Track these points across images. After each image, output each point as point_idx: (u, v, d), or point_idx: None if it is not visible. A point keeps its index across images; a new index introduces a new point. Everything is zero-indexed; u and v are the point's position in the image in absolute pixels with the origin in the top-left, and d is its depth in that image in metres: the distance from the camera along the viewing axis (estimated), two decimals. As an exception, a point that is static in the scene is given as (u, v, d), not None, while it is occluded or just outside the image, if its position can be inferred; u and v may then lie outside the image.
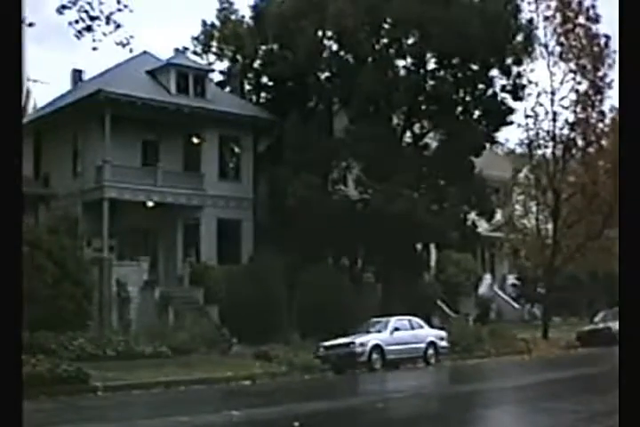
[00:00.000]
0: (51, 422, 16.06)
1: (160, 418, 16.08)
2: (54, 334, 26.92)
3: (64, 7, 21.68)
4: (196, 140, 42.79)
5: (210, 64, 50.60)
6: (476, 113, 43.75)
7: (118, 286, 35.10)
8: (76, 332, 27.88)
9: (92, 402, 19.46)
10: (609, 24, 42.55)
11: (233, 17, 51.83)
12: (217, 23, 51.99)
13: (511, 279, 57.07)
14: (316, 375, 27.59)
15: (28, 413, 17.31)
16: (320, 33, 44.38)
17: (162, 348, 27.92)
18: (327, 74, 45.66)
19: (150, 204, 39.46)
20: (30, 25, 21.76)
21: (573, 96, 41.34)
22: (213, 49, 52.05)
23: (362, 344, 29.33)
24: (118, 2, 21.50)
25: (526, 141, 43.16)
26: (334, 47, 44.99)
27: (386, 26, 42.44)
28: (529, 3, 41.89)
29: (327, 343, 29.96)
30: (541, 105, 41.52)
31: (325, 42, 44.99)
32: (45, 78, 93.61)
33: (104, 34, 21.91)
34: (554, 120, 41.48)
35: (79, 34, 21.96)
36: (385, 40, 42.99)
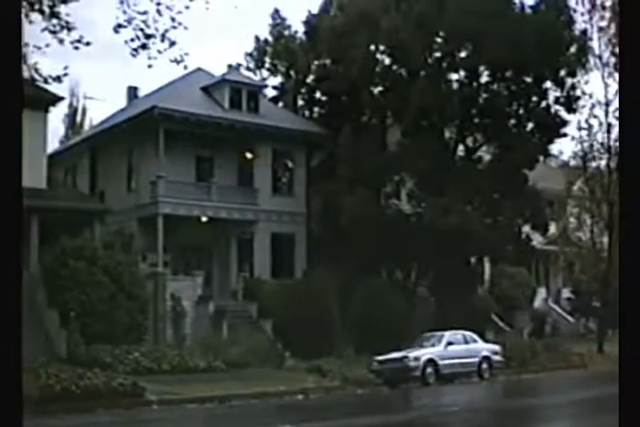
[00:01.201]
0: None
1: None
2: (110, 347, 27.31)
3: (120, 26, 22.11)
4: (249, 156, 43.00)
5: (263, 80, 50.89)
6: (530, 125, 43.43)
7: (173, 301, 35.30)
8: (132, 346, 28.22)
9: (146, 416, 19.63)
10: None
11: (286, 32, 52.07)
12: (270, 39, 52.27)
13: (566, 293, 56.38)
14: (370, 390, 27.52)
15: (85, 425, 17.65)
16: (373, 47, 44.45)
17: (216, 362, 28.07)
18: (380, 88, 45.63)
19: (204, 219, 39.72)
20: (87, 44, 22.22)
21: (628, 107, 40.80)
22: (267, 65, 52.30)
23: (416, 358, 29.22)
24: (173, 20, 21.89)
25: (580, 153, 42.87)
26: (387, 61, 44.99)
27: (438, 39, 42.35)
28: (582, 14, 41.59)
29: (381, 358, 29.89)
30: (595, 117, 41.19)
31: (378, 56, 45.02)
32: (101, 96, 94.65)
33: (159, 51, 22.29)
34: (608, 132, 41.02)
35: (135, 52, 22.37)
36: (438, 53, 42.90)
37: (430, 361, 29.41)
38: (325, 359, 29.91)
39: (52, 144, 51.53)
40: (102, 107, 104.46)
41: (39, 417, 18.33)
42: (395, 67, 44.43)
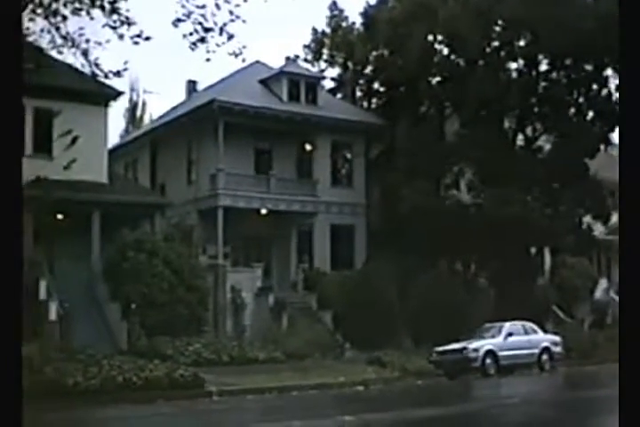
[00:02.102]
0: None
1: (274, 423, 16.25)
2: (171, 339, 27.60)
3: (179, 20, 22.34)
4: (308, 148, 43.05)
5: (321, 71, 50.87)
6: (590, 114, 42.90)
7: (233, 293, 35.51)
8: (192, 337, 28.53)
9: (207, 406, 19.77)
10: None
11: (344, 24, 51.94)
12: (328, 31, 52.20)
13: (628, 284, 55.53)
14: (430, 381, 27.47)
15: (147, 417, 17.89)
16: (431, 37, 44.23)
17: (275, 353, 28.25)
18: (438, 78, 45.42)
19: (264, 211, 39.89)
20: (147, 39, 22.46)
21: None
22: (324, 56, 52.23)
23: (475, 350, 29.12)
24: (231, 13, 22.06)
25: (642, 142, 42.15)
26: (445, 51, 44.78)
27: (497, 28, 42.01)
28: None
29: (440, 349, 29.85)
30: (658, 104, 40.49)
31: (436, 46, 44.81)
32: (160, 90, 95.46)
33: (217, 45, 22.50)
34: (671, 119, 40.31)
35: (194, 45, 22.61)
36: (496, 43, 42.57)
37: (490, 352, 29.31)
38: (385, 350, 29.92)
39: (113, 139, 52.10)
40: (162, 101, 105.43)
41: (102, 407, 18.68)
42: (453, 56, 44.20)
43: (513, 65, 43.26)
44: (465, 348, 29.23)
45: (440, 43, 44.62)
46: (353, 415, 16.18)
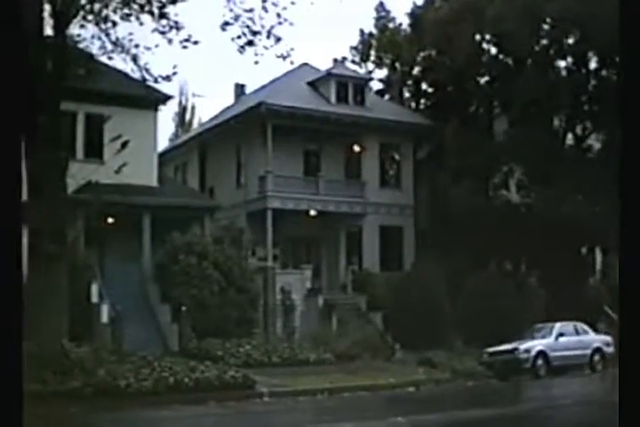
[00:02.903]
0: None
1: (326, 424, 16.37)
2: (221, 341, 27.78)
3: (227, 24, 22.53)
4: (356, 149, 43.06)
5: (369, 73, 50.91)
6: (641, 112, 42.36)
7: (282, 294, 35.64)
8: (242, 339, 28.69)
9: (258, 408, 19.88)
10: None
11: (391, 25, 51.96)
12: (375, 32, 52.26)
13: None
14: (480, 382, 27.40)
15: (198, 417, 18.05)
16: (478, 37, 44.08)
17: (325, 354, 28.29)
18: (486, 78, 45.27)
19: (313, 212, 39.97)
20: (195, 43, 22.68)
21: None
22: (372, 58, 52.30)
23: (526, 350, 28.95)
24: (278, 16, 22.24)
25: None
26: (493, 50, 44.62)
27: (545, 26, 41.71)
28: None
29: (491, 349, 29.71)
30: None
31: (484, 45, 44.66)
32: (209, 94, 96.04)
33: (265, 47, 22.66)
34: None
35: (242, 48, 22.79)
36: (545, 41, 42.26)
37: (541, 353, 29.13)
38: (435, 351, 29.86)
39: (163, 142, 52.60)
40: (210, 104, 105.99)
41: (154, 408, 18.86)
42: (501, 56, 44.03)
43: (562, 63, 42.96)
44: (516, 349, 29.07)
45: (488, 42, 44.47)
46: (404, 417, 16.22)
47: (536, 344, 29.45)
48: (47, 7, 21.99)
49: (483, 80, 45.41)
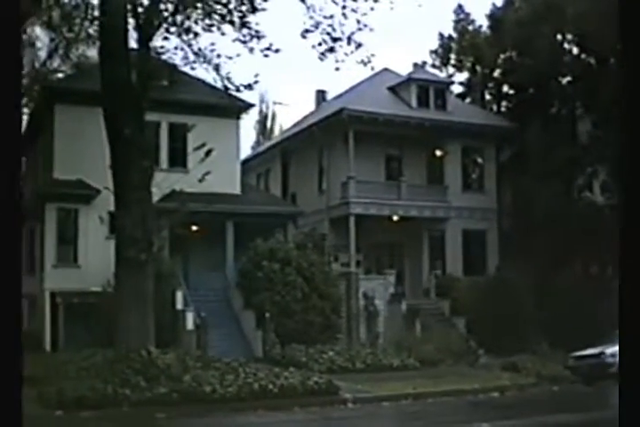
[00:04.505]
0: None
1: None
2: (304, 347, 27.97)
3: (307, 31, 22.76)
4: (438, 153, 42.92)
5: (449, 76, 50.71)
6: None
7: (365, 300, 35.72)
8: (326, 345, 28.85)
9: (342, 413, 19.95)
10: None
11: (470, 27, 51.68)
12: (454, 35, 52.05)
13: None
14: (566, 387, 27.02)
15: (283, 423, 18.23)
16: (560, 36, 43.59)
17: (409, 360, 28.27)
18: (569, 78, 44.69)
19: (395, 218, 39.96)
20: (277, 51, 22.94)
21: None
22: (452, 61, 52.10)
23: (613, 355, 28.45)
24: (358, 22, 22.36)
25: None
26: (575, 50, 44.01)
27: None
28: None
29: (577, 354, 29.32)
30: None
31: (565, 45, 44.13)
32: (289, 101, 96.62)
33: (346, 54, 22.81)
34: None
35: (322, 55, 22.98)
36: (628, 40, 41.55)
37: (628, 358, 28.60)
38: (519, 356, 29.57)
39: (245, 150, 53.12)
40: (291, 111, 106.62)
41: (239, 414, 19.10)
42: (583, 55, 43.40)
43: (646, 62, 42.15)
44: (602, 353, 28.61)
45: (569, 42, 43.93)
46: (490, 422, 16.16)
47: (623, 349, 28.97)
48: (131, 21, 22.47)
49: (565, 80, 44.86)
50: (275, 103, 76.11)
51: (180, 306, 29.54)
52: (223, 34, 23.25)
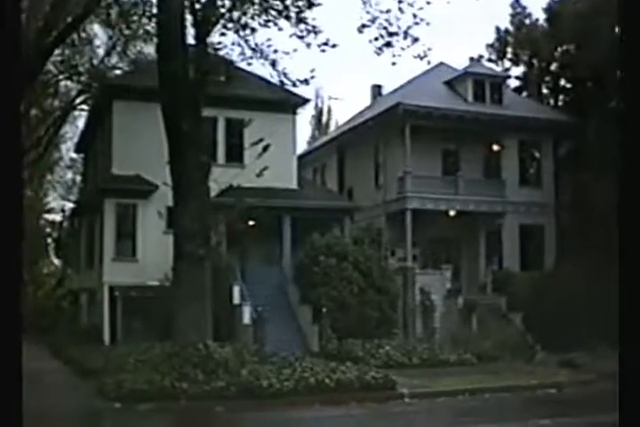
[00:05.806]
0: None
1: (469, 425, 16.31)
2: (361, 341, 27.98)
3: (364, 26, 22.75)
4: (495, 148, 42.66)
5: (506, 70, 50.34)
6: None
7: (422, 295, 35.61)
8: (382, 339, 28.80)
9: (400, 409, 19.88)
10: None
11: (527, 21, 51.26)
12: (511, 29, 51.66)
13: None
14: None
15: (340, 418, 18.28)
16: (618, 29, 43.04)
17: (466, 355, 28.11)
18: (628, 72, 44.09)
19: (452, 212, 39.82)
20: (334, 46, 22.98)
21: None
22: (508, 55, 51.73)
23: (674, 353, 28.11)
24: (414, 16, 22.29)
25: None
26: (634, 43, 43.42)
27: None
28: None
29: (637, 352, 28.94)
30: None
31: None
32: (345, 96, 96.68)
33: (402, 48, 22.74)
34: None
35: (379, 50, 22.95)
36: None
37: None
38: (577, 353, 29.25)
39: (301, 145, 53.25)
40: (347, 106, 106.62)
41: (296, 408, 19.17)
42: (643, 48, 42.80)
43: None
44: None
45: (629, 35, 43.31)
46: (548, 419, 16.04)
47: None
48: (188, 17, 22.65)
49: (624, 75, 44.28)
50: (330, 98, 76.26)
51: (236, 300, 29.73)
52: (280, 29, 23.32)
